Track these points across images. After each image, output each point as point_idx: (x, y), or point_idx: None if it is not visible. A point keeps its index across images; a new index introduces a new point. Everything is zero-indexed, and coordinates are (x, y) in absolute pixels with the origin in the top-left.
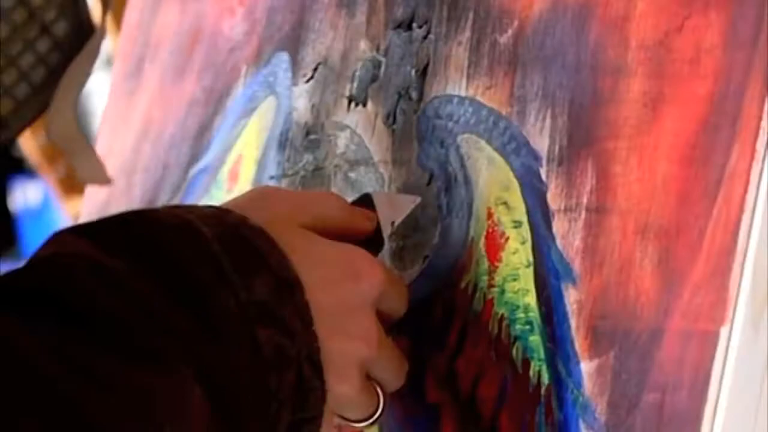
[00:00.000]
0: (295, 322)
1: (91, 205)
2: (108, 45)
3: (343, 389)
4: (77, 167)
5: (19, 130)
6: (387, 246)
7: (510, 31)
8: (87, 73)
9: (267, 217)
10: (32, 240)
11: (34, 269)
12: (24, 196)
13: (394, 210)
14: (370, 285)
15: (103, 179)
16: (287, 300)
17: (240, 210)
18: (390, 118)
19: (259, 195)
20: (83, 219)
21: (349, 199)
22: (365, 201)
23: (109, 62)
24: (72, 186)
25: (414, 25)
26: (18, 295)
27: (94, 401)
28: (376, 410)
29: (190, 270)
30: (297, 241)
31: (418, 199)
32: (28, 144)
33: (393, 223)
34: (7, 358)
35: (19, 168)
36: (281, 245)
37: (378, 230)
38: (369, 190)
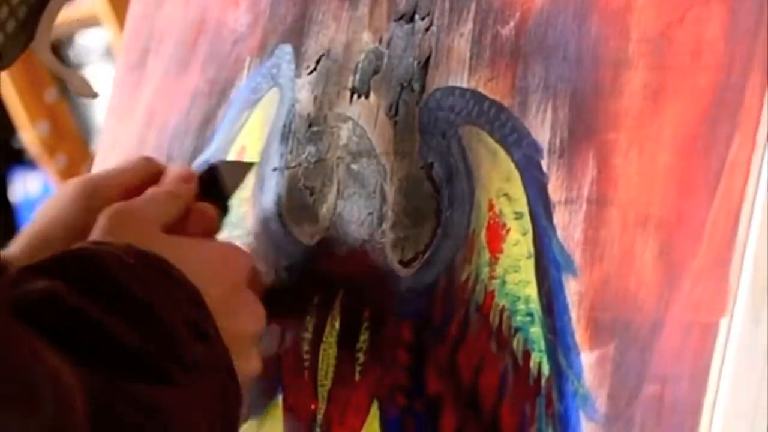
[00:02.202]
0: (215, 333)
1: None
2: (108, 36)
3: (250, 367)
4: (68, 83)
5: (11, 61)
6: (231, 212)
7: (512, 23)
8: (59, 7)
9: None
10: None
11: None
12: (24, 187)
13: (235, 176)
14: (240, 265)
15: (91, 93)
16: (204, 315)
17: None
18: (392, 110)
19: (113, 222)
20: None
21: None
22: (210, 171)
23: (108, 53)
24: (72, 177)
25: (416, 16)
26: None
27: None
28: None
29: (140, 298)
30: (175, 252)
31: (255, 163)
32: (28, 135)
33: (234, 187)
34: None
35: (18, 159)
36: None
37: (223, 197)
38: (370, 181)
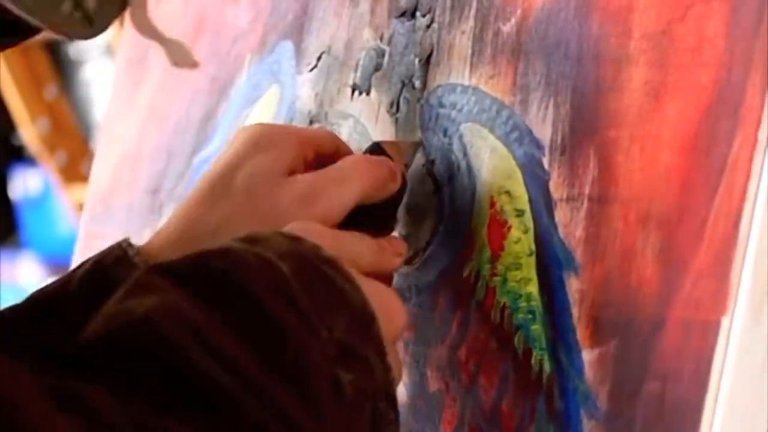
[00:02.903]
0: (373, 357)
1: (94, 192)
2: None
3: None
4: (167, 53)
5: (105, 26)
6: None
7: (513, 20)
8: None
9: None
10: (32, 228)
11: (126, 324)
12: (24, 184)
13: (402, 155)
14: (399, 325)
15: (191, 63)
16: (365, 335)
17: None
18: (393, 107)
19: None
20: (87, 208)
21: None
22: (375, 150)
23: (108, 50)
24: (72, 174)
25: (417, 13)
26: (107, 357)
27: None
28: None
29: (273, 317)
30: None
31: (419, 139)
32: (28, 132)
33: (406, 166)
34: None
35: (19, 156)
36: (353, 276)
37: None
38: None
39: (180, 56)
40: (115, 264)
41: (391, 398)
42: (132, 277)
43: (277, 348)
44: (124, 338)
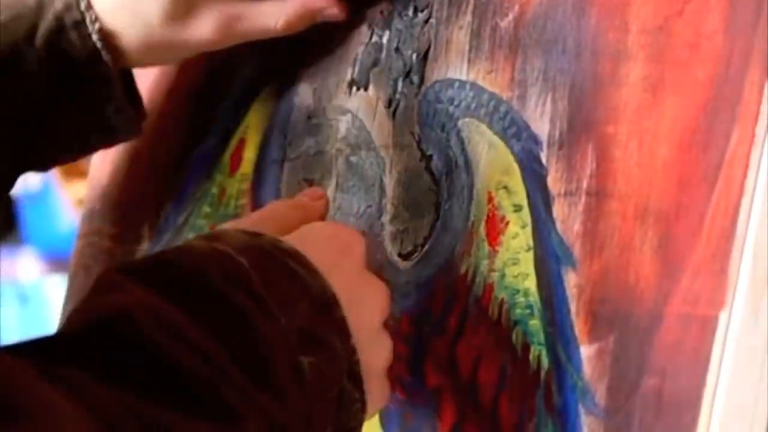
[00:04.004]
0: (334, 340)
1: (94, 189)
2: None
3: (379, 396)
4: None
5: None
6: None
7: (511, 15)
8: None
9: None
10: (32, 224)
11: (101, 319)
12: (24, 180)
13: None
14: (359, 248)
15: None
16: (326, 319)
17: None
18: (392, 103)
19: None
20: (86, 205)
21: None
22: None
23: None
24: (72, 170)
25: (416, 9)
26: (86, 347)
27: None
28: None
29: (236, 308)
30: (325, 258)
31: None
32: None
33: None
34: (83, 414)
35: None
36: (315, 263)
37: None
38: (369, 173)
39: None
40: (72, 33)
41: (356, 378)
42: (96, 278)
43: (239, 336)
44: (101, 332)
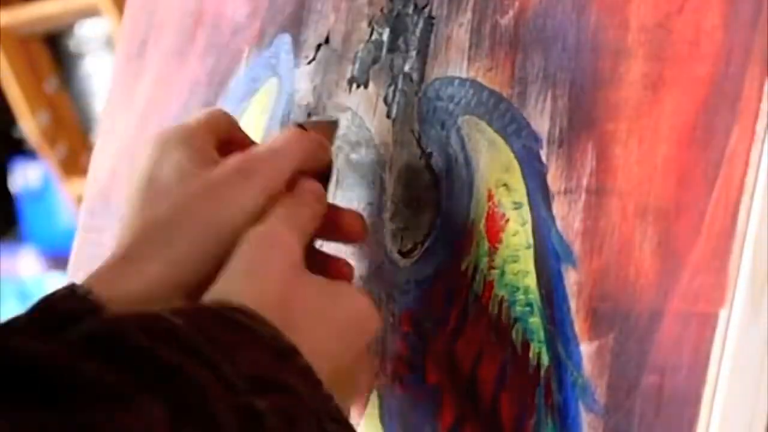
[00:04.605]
0: (299, 384)
1: (93, 188)
2: (108, 26)
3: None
4: None
5: None
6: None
7: (511, 13)
8: None
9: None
10: (32, 221)
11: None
12: (24, 177)
13: (325, 135)
14: (373, 333)
15: None
16: (285, 365)
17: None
18: (391, 100)
19: (256, 251)
20: (86, 202)
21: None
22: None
23: (108, 43)
24: (72, 167)
25: (416, 6)
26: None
27: None
28: None
29: (165, 362)
30: (289, 294)
31: (336, 119)
32: (29, 125)
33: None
34: None
35: (19, 149)
36: (268, 313)
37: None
38: (369, 171)
39: None
40: (63, 299)
41: (339, 420)
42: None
43: (176, 386)
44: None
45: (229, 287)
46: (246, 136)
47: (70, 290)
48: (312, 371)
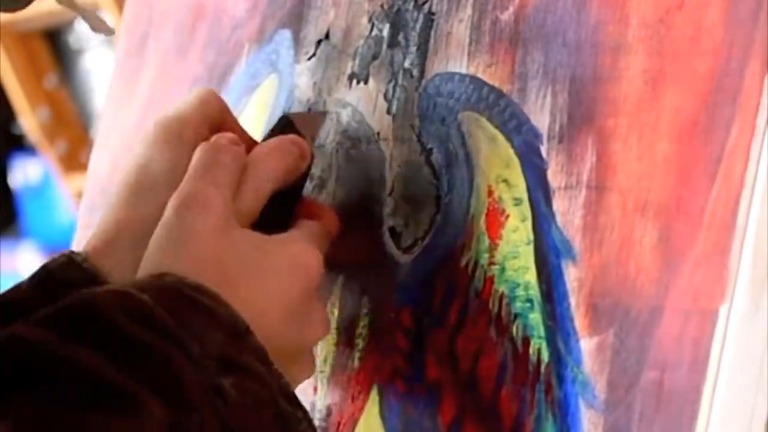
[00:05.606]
0: (256, 364)
1: (94, 183)
2: (108, 22)
3: (306, 374)
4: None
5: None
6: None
7: (511, 9)
8: None
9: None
10: (32, 217)
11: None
12: (24, 173)
13: (311, 127)
14: (314, 277)
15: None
16: (241, 346)
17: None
18: (392, 96)
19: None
20: (86, 198)
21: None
22: (285, 125)
23: (108, 40)
24: (72, 163)
25: (416, 2)
26: None
27: None
28: None
29: (138, 339)
30: (249, 255)
31: (327, 112)
32: (28, 121)
33: (312, 138)
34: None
35: (19, 145)
36: (222, 293)
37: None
38: (370, 167)
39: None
40: (62, 268)
41: (291, 398)
42: None
43: (148, 365)
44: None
45: (163, 258)
46: (234, 120)
47: (68, 257)
48: (264, 351)
